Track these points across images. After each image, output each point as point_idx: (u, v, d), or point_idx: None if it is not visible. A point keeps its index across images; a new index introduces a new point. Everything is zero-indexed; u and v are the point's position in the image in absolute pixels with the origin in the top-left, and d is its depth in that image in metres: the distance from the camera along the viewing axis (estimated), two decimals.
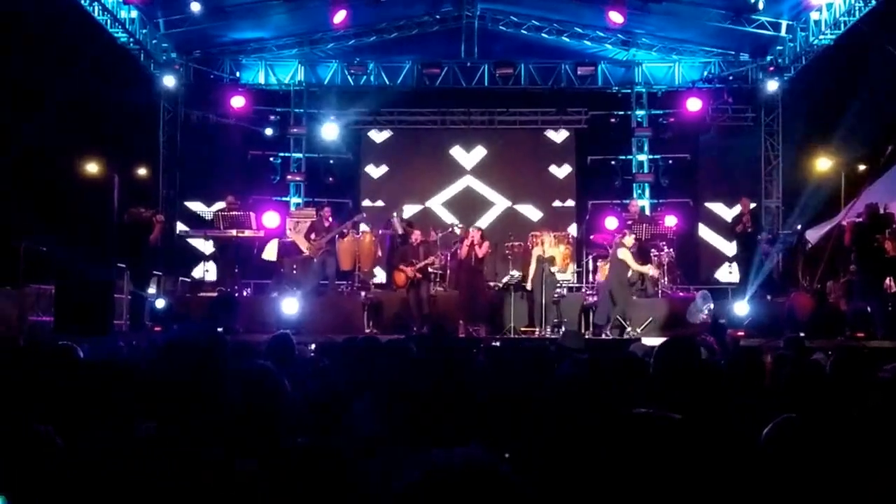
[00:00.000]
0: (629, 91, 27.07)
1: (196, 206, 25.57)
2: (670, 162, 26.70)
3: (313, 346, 13.63)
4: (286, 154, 27.18)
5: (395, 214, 23.13)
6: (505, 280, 21.33)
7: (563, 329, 18.89)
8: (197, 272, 23.96)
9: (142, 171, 26.20)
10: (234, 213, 21.16)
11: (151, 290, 20.14)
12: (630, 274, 19.69)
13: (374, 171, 27.12)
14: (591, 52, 26.35)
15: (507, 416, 5.21)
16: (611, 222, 22.59)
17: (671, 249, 21.74)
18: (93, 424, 4.62)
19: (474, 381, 6.90)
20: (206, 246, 23.90)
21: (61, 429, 4.23)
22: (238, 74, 26.58)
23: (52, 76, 21.81)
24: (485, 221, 25.16)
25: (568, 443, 4.24)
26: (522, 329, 19.95)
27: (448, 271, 21.67)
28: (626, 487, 3.30)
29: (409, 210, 25.84)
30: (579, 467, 3.76)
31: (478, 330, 19.43)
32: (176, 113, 25.82)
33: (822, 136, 24.84)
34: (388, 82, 26.86)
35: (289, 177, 27.01)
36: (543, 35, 25.62)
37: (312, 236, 20.66)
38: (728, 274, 25.14)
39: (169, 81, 24.95)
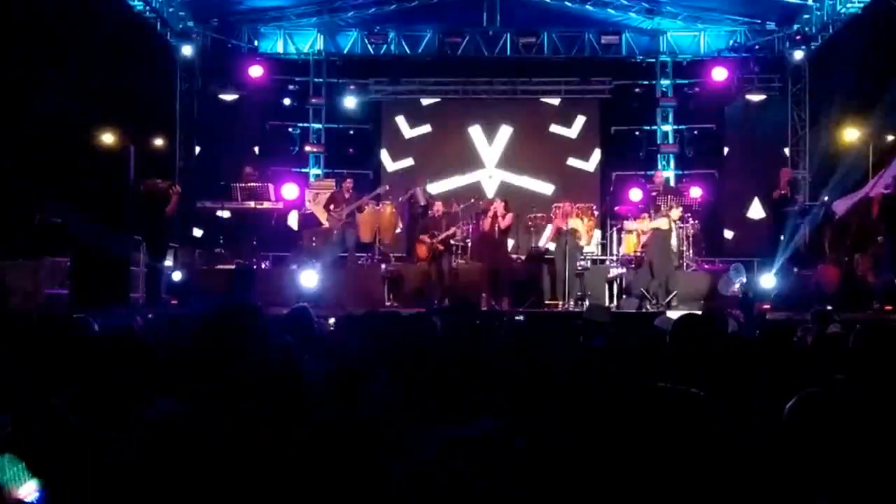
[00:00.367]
0: (654, 60, 26.82)
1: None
2: (695, 132, 26.48)
3: (333, 321, 13.45)
4: (305, 125, 27.01)
5: (418, 186, 22.85)
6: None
7: (588, 302, 18.78)
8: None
9: (158, 142, 26.01)
10: (252, 184, 21.02)
11: (168, 262, 19.99)
12: (673, 245, 19.51)
13: (399, 138, 26.84)
14: (615, 21, 26.05)
15: (529, 391, 5.10)
16: (635, 194, 22.37)
17: (696, 221, 21.54)
18: (109, 399, 4.48)
19: (497, 355, 6.75)
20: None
21: (75, 403, 4.21)
22: (256, 43, 26.46)
23: (67, 46, 21.63)
24: (505, 193, 24.82)
25: (587, 416, 4.10)
26: (546, 302, 19.82)
27: (470, 243, 21.50)
28: (645, 461, 3.29)
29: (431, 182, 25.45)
30: (598, 441, 3.65)
31: (501, 303, 19.27)
32: (192, 83, 25.60)
33: (849, 107, 24.49)
34: (408, 51, 26.64)
35: (308, 148, 26.81)
36: (566, 3, 25.29)
37: (332, 207, 20.54)
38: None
39: (186, 51, 24.83)
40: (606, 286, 20.55)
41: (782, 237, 20.68)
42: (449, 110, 26.76)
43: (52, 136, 20.75)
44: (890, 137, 23.99)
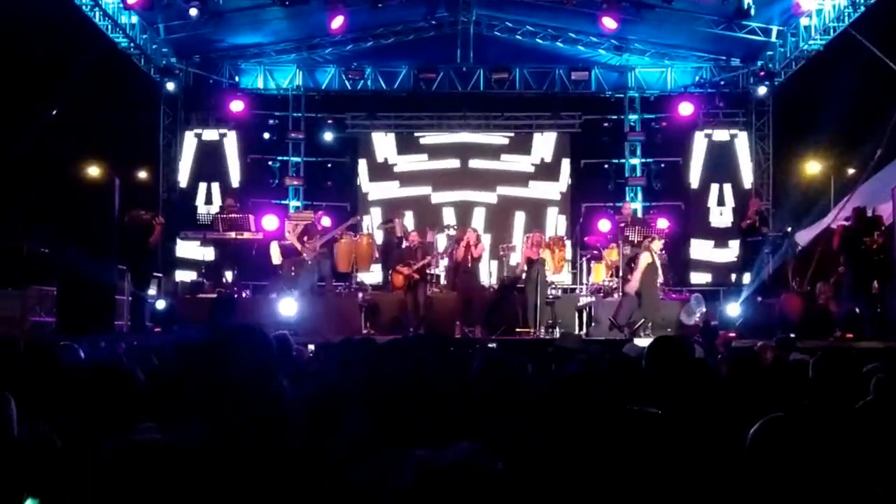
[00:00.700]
0: (622, 96, 27.37)
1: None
2: (662, 165, 27.00)
3: (312, 347, 13.91)
4: (285, 158, 27.43)
5: (396, 216, 23.27)
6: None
7: (559, 330, 19.22)
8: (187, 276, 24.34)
9: (142, 175, 26.49)
10: (233, 215, 21.33)
11: (152, 291, 20.28)
12: (660, 277, 19.85)
13: (372, 174, 27.30)
14: (584, 58, 26.65)
15: (503, 416, 5.18)
16: (604, 224, 22.84)
17: (663, 251, 21.90)
18: (92, 426, 4.65)
19: (471, 382, 6.79)
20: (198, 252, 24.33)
21: (60, 429, 4.35)
22: (237, 79, 26.96)
23: (53, 80, 22.08)
24: (478, 224, 25.44)
25: (563, 440, 4.30)
26: (518, 330, 20.03)
27: (445, 272, 21.88)
28: (619, 482, 3.42)
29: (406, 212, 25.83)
30: (573, 463, 3.85)
31: (473, 331, 19.56)
32: (175, 117, 26.10)
33: (811, 140, 25.14)
34: (384, 87, 27.15)
35: (287, 180, 27.25)
36: (538, 40, 25.95)
37: (306, 239, 20.77)
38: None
39: (169, 86, 25.32)
40: (576, 314, 20.90)
41: (748, 266, 21.15)
42: (428, 140, 27.35)
43: (39, 169, 21.21)
44: (851, 170, 24.58)
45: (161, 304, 19.91)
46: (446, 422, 5.01)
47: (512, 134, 27.32)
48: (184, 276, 24.69)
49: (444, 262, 21.86)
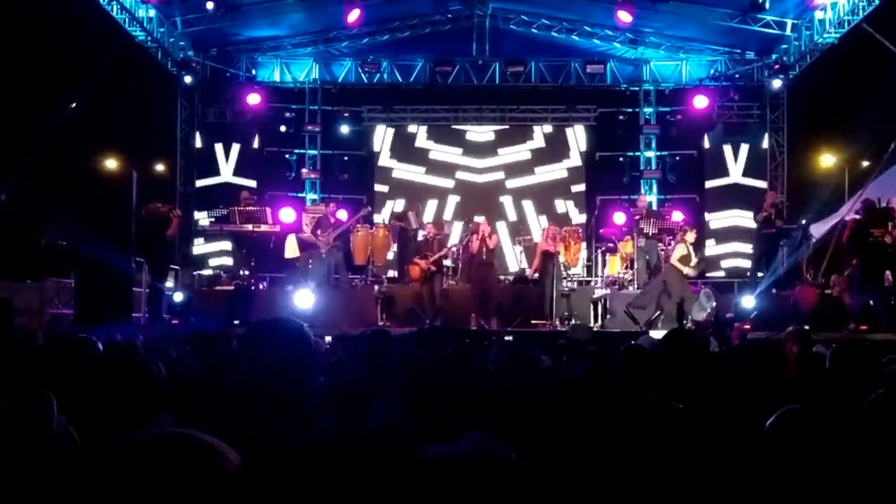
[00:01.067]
0: (637, 89, 27.45)
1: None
2: (677, 158, 27.12)
3: (329, 339, 14.00)
4: (301, 151, 27.57)
5: (410, 209, 23.36)
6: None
7: (573, 321, 19.30)
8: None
9: (159, 168, 26.62)
10: (250, 208, 21.42)
11: (169, 283, 20.39)
12: (689, 269, 19.88)
13: (387, 166, 27.40)
14: (600, 51, 26.75)
15: (520, 408, 5.14)
16: (619, 217, 22.96)
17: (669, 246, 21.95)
18: (110, 418, 4.66)
19: (486, 374, 7.00)
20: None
21: (78, 421, 4.32)
22: (254, 72, 27.06)
23: (71, 74, 22.21)
24: (495, 216, 25.53)
25: (576, 433, 4.32)
26: (533, 322, 20.09)
27: (460, 265, 21.92)
28: (633, 476, 3.39)
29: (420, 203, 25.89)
30: (587, 456, 3.84)
31: (489, 323, 19.57)
32: (193, 110, 26.30)
33: (826, 133, 25.16)
34: (400, 80, 27.28)
35: (304, 173, 27.38)
36: (553, 34, 26.06)
37: (318, 232, 20.84)
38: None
39: (186, 79, 25.47)
40: (591, 306, 20.94)
41: (763, 259, 21.20)
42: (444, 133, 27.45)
43: (58, 162, 21.28)
44: (865, 163, 24.57)
45: (179, 297, 20.02)
46: (461, 414, 4.98)
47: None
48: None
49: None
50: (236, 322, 17.75)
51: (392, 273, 23.83)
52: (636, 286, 20.87)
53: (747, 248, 24.33)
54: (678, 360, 6.07)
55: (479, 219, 21.50)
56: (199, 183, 26.33)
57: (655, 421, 3.56)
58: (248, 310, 18.84)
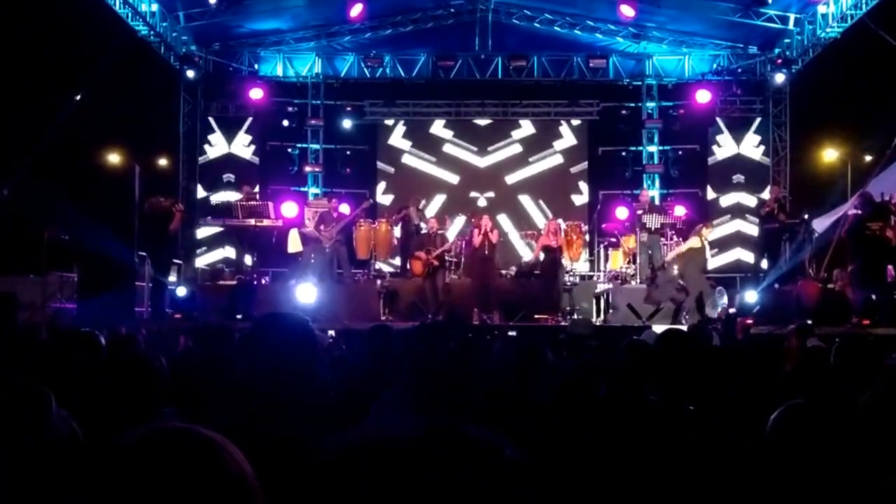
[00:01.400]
0: (640, 83, 27.45)
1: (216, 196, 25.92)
2: (680, 153, 27.10)
3: (332, 333, 14.02)
4: (303, 145, 27.58)
5: (411, 204, 23.39)
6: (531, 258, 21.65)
7: (574, 316, 19.34)
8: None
9: (162, 162, 26.65)
10: (252, 202, 21.39)
11: (172, 278, 20.40)
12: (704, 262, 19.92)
13: (389, 160, 27.48)
14: (602, 45, 26.72)
15: (519, 405, 5.22)
16: (621, 212, 22.93)
17: (680, 238, 21.95)
18: (114, 412, 4.65)
19: (489, 370, 6.94)
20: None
21: (81, 416, 4.22)
22: (256, 67, 27.09)
23: (74, 70, 22.23)
24: (496, 211, 25.53)
25: (578, 430, 4.29)
26: (535, 316, 20.07)
27: (462, 259, 21.89)
28: (634, 474, 3.39)
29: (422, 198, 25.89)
30: (591, 452, 3.83)
31: (491, 317, 19.59)
32: (195, 105, 26.32)
33: (829, 128, 25.14)
34: (403, 74, 27.26)
35: (306, 167, 27.42)
36: (556, 28, 26.02)
37: (322, 227, 20.87)
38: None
39: (189, 74, 25.48)
40: (594, 301, 21.03)
41: (766, 254, 21.24)
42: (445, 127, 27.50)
43: (61, 157, 21.33)
44: (868, 157, 24.55)
45: (182, 291, 20.01)
46: (465, 408, 4.92)
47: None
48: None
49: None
50: (239, 317, 17.76)
51: (395, 268, 23.85)
52: (638, 281, 20.85)
53: (752, 229, 24.45)
54: (679, 356, 6.10)
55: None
56: (202, 159, 26.52)
57: (657, 419, 3.63)
58: (251, 304, 18.84)
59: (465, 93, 27.23)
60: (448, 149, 27.32)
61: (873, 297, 17.60)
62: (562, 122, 27.26)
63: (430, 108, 27.34)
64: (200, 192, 26.12)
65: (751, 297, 19.35)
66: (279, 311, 5.03)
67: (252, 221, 20.80)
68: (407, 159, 27.34)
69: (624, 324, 18.63)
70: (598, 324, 18.92)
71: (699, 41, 26.56)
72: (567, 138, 27.24)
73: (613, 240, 22.50)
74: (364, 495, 1.69)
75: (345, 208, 22.38)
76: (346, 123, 26.86)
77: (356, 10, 23.37)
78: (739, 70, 26.43)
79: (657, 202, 25.05)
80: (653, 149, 27.49)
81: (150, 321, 17.63)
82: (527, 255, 24.07)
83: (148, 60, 24.57)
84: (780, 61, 25.06)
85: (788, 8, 23.93)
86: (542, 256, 20.75)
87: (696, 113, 26.22)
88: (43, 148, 20.79)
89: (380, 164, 27.36)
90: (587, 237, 23.41)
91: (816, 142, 26.27)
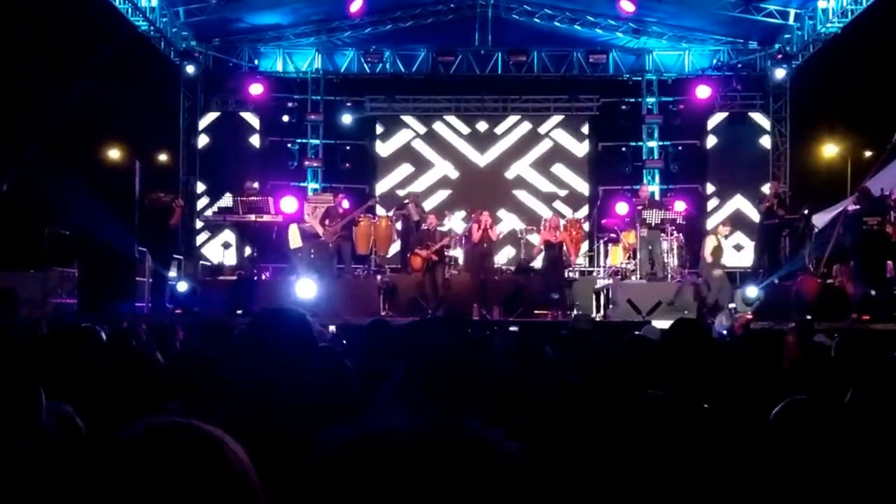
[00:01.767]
0: (640, 79, 27.44)
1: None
2: (680, 148, 27.10)
3: (333, 328, 14.02)
4: (303, 140, 27.59)
5: (410, 199, 23.37)
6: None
7: (575, 312, 19.30)
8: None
9: (162, 157, 26.66)
10: (252, 198, 21.38)
11: (172, 273, 20.40)
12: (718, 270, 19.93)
13: (389, 156, 27.48)
14: (602, 41, 26.74)
15: (520, 403, 5.13)
16: (621, 207, 22.92)
17: (680, 234, 21.96)
18: (116, 406, 4.65)
19: (489, 366, 6.83)
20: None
21: (84, 410, 4.26)
22: (256, 62, 27.02)
23: (74, 65, 22.22)
24: (496, 206, 25.54)
25: (578, 428, 4.24)
26: (535, 312, 20.13)
27: (462, 254, 21.88)
28: (635, 472, 3.36)
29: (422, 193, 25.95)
30: (591, 450, 3.79)
31: (491, 313, 19.64)
32: (195, 100, 26.32)
33: (829, 123, 25.15)
34: (403, 70, 27.28)
35: (306, 162, 27.41)
36: (556, 23, 26.02)
37: (327, 222, 20.82)
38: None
39: (189, 69, 25.44)
40: (593, 296, 21.03)
41: (766, 249, 21.22)
42: (445, 122, 27.50)
43: (61, 152, 21.33)
44: (868, 153, 24.55)
45: (182, 286, 19.99)
46: (467, 404, 4.58)
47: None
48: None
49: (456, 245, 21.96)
50: (239, 312, 17.77)
51: (395, 263, 23.80)
52: (639, 276, 20.82)
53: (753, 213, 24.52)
54: (681, 351, 5.95)
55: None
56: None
57: (659, 417, 3.55)
58: (251, 299, 18.82)
59: (465, 88, 27.22)
60: (447, 144, 27.29)
61: (873, 292, 17.61)
62: (562, 117, 27.19)
63: (430, 103, 27.31)
64: (200, 187, 26.10)
65: (750, 292, 19.36)
66: (279, 306, 5.02)
67: (252, 217, 20.77)
68: (407, 154, 27.30)
69: (624, 319, 18.55)
70: (597, 319, 18.90)
71: (699, 36, 26.60)
72: (567, 134, 27.21)
73: (613, 235, 22.46)
74: (363, 491, 1.70)
75: (345, 204, 22.37)
76: (346, 119, 26.84)
77: (356, 6, 23.40)
78: (739, 65, 26.47)
79: (657, 197, 24.98)
80: (653, 144, 27.48)
81: (151, 316, 17.57)
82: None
83: (148, 56, 24.59)
84: (780, 57, 25.05)
85: (789, 3, 23.97)
86: (542, 252, 20.74)
87: (696, 108, 26.26)
88: (43, 143, 20.79)
89: (379, 159, 27.35)
90: (587, 232, 23.36)
91: (816, 137, 26.29)
